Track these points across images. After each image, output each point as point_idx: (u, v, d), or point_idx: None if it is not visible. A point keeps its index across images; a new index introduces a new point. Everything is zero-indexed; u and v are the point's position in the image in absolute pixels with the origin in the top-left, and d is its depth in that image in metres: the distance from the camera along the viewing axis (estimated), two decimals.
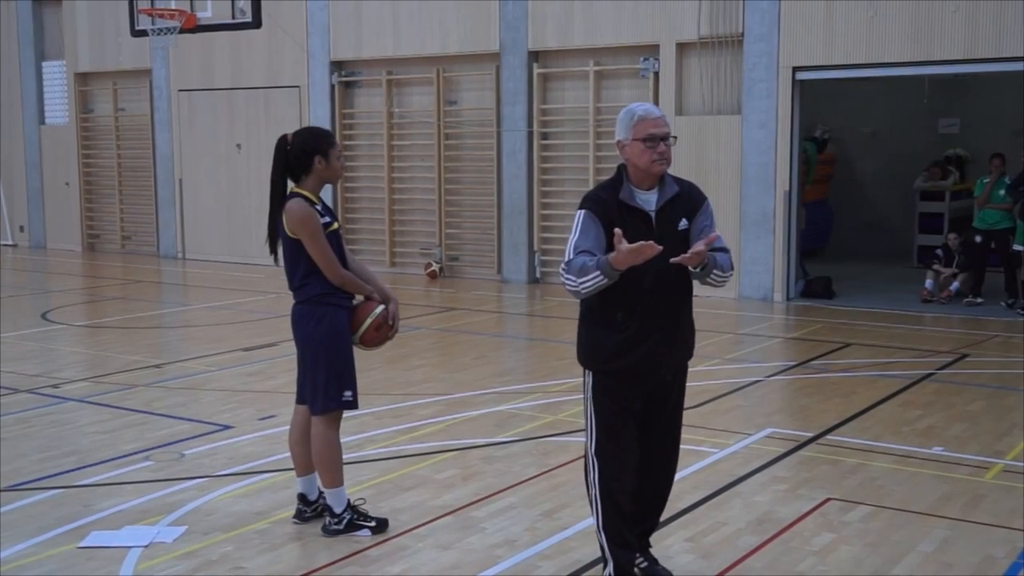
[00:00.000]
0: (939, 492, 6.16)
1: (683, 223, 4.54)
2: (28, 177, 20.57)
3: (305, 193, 5.40)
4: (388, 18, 16.01)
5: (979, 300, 13.04)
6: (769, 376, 9.30)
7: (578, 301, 4.61)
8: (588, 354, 4.61)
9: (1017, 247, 12.62)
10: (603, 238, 4.42)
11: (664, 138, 4.47)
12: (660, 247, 4.19)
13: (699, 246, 4.29)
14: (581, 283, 4.33)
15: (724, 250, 4.57)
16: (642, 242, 4.15)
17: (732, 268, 4.61)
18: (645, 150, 4.47)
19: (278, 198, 5.44)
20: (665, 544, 5.19)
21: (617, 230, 4.25)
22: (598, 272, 4.27)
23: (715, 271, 4.46)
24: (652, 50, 14.07)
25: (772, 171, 13.29)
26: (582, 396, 4.69)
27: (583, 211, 4.50)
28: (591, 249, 4.39)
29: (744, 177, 13.44)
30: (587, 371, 4.62)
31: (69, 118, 20.06)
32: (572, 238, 4.47)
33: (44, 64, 20.28)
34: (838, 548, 5.32)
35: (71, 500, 6.10)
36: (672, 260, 4.28)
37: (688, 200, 4.60)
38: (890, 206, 17.66)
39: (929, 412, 7.97)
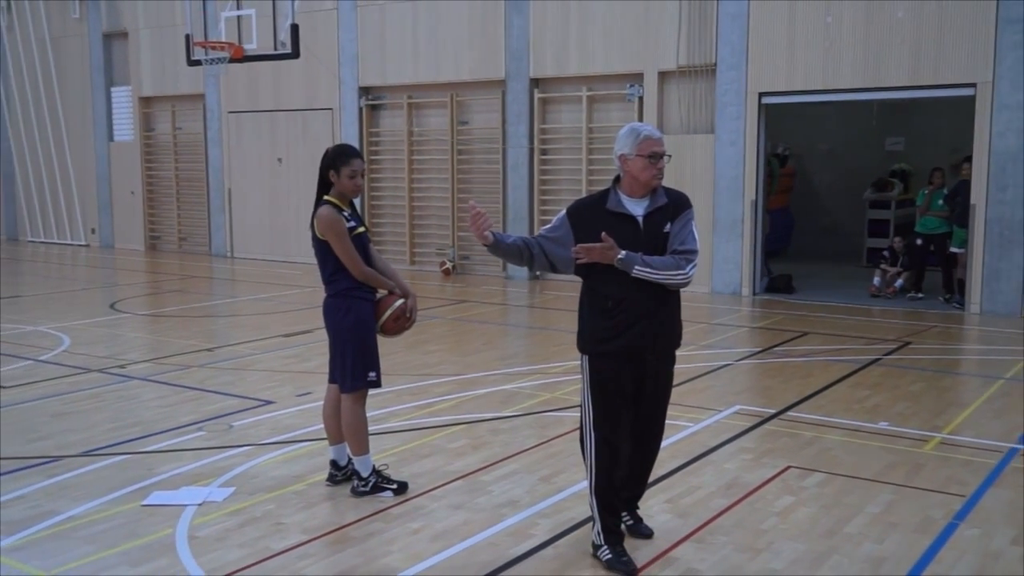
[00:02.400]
0: (885, 461, 6.15)
1: (667, 226, 4.51)
2: (98, 187, 20.59)
3: (334, 200, 5.39)
4: (409, 49, 16.00)
5: (920, 295, 13.02)
6: (737, 360, 9.29)
7: (578, 294, 4.66)
8: (584, 338, 4.60)
9: (953, 249, 12.59)
10: (569, 238, 4.50)
11: (663, 156, 4.47)
12: (609, 256, 4.35)
13: (588, 246, 4.37)
14: (508, 238, 4.58)
15: (687, 252, 4.44)
16: (600, 245, 4.35)
17: (679, 268, 4.40)
18: (648, 166, 4.46)
19: (316, 204, 5.45)
20: (647, 505, 5.18)
21: (603, 233, 4.36)
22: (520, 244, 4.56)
23: (637, 267, 4.34)
24: (637, 78, 14.05)
25: (741, 183, 13.28)
26: (580, 378, 4.68)
27: (563, 211, 4.64)
28: (548, 234, 4.57)
29: (716, 188, 13.42)
30: (584, 356, 4.61)
31: (134, 136, 20.06)
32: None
33: (113, 89, 20.29)
34: (797, 509, 5.32)
35: (136, 464, 6.11)
36: (572, 249, 4.43)
37: (674, 208, 4.55)
38: (843, 213, 17.64)
39: (876, 392, 7.96)
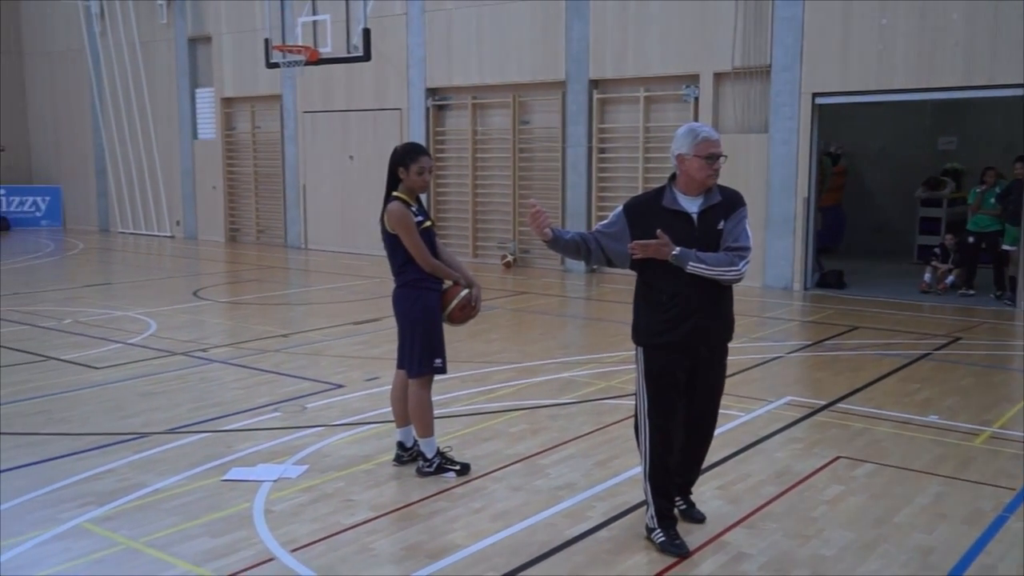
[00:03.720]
0: (934, 454, 6.01)
1: (721, 224, 4.45)
2: (183, 182, 21.00)
3: (402, 196, 5.42)
4: (474, 52, 16.03)
5: (971, 292, 12.69)
6: (788, 353, 9.15)
7: (632, 287, 4.62)
8: (639, 331, 4.57)
9: (1005, 247, 12.24)
10: (625, 233, 4.46)
11: (719, 157, 4.42)
12: (664, 252, 4.32)
13: (644, 243, 4.34)
14: (567, 234, 4.57)
15: (740, 249, 4.38)
16: (655, 242, 4.32)
17: (733, 265, 4.34)
18: (704, 166, 4.40)
19: (385, 199, 5.48)
20: (700, 491, 5.13)
21: (659, 230, 4.33)
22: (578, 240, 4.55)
23: (691, 263, 4.30)
24: (693, 79, 13.90)
25: (793, 181, 13.07)
26: (634, 367, 4.65)
27: (619, 207, 4.59)
28: (605, 230, 4.54)
29: (770, 186, 13.23)
30: (638, 347, 4.57)
31: (216, 134, 20.41)
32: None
33: (197, 90, 20.66)
34: (846, 499, 5.23)
35: (216, 442, 6.23)
36: (629, 246, 4.39)
37: (728, 205, 4.49)
38: (895, 211, 17.24)
39: (926, 386, 7.78)
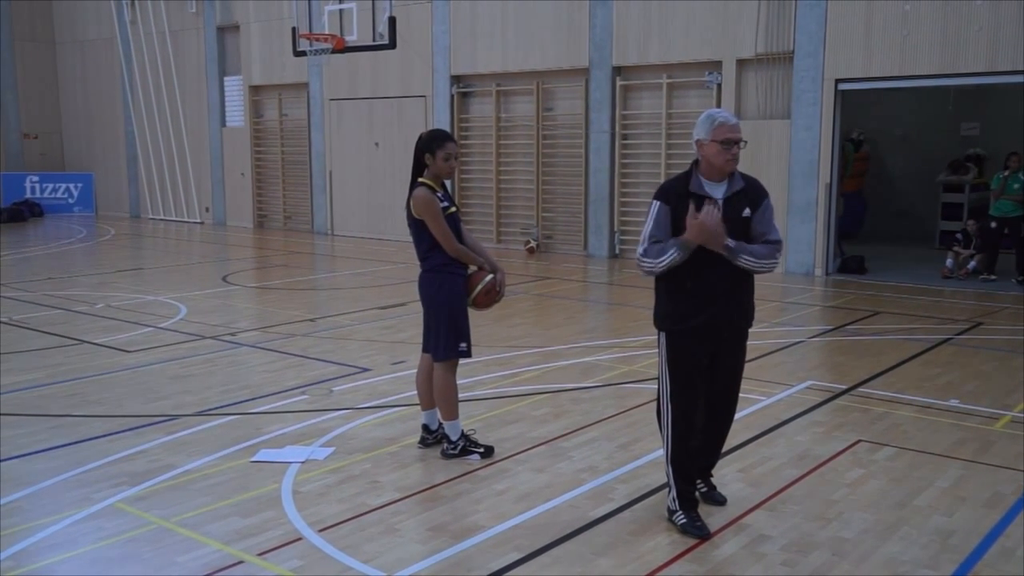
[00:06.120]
0: (955, 437, 5.96)
1: (746, 211, 4.42)
2: (212, 168, 21.11)
3: (428, 182, 5.42)
4: (498, 39, 15.97)
5: (993, 277, 12.55)
6: (810, 337, 9.09)
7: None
8: (661, 317, 4.55)
9: None
10: (671, 225, 4.38)
11: (737, 142, 4.39)
12: (717, 221, 4.23)
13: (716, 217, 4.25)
14: (658, 263, 4.35)
15: (775, 242, 4.41)
16: (703, 215, 4.22)
17: (773, 258, 4.39)
18: (721, 151, 4.37)
19: (411, 185, 5.48)
20: (721, 474, 5.12)
21: (692, 205, 4.29)
22: (674, 250, 4.30)
23: (743, 255, 4.30)
24: (716, 65, 13.79)
25: (816, 167, 12.95)
26: (656, 352, 4.63)
27: (657, 202, 4.44)
28: (662, 237, 4.38)
29: (792, 172, 13.12)
30: (660, 332, 4.56)
31: (244, 122, 20.49)
32: (647, 226, 4.43)
33: (225, 79, 20.74)
34: (867, 482, 5.20)
35: (245, 424, 6.27)
36: (688, 218, 4.28)
37: (752, 193, 4.46)
38: (916, 197, 17.06)
39: (947, 370, 7.71)
